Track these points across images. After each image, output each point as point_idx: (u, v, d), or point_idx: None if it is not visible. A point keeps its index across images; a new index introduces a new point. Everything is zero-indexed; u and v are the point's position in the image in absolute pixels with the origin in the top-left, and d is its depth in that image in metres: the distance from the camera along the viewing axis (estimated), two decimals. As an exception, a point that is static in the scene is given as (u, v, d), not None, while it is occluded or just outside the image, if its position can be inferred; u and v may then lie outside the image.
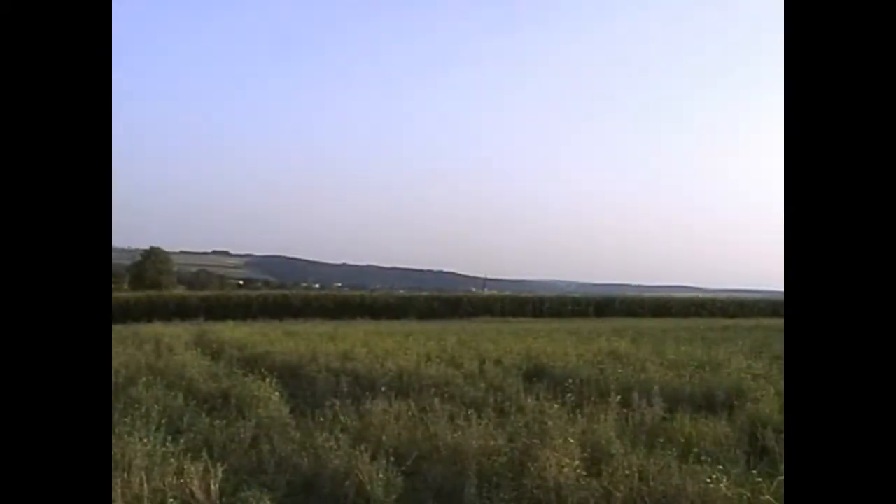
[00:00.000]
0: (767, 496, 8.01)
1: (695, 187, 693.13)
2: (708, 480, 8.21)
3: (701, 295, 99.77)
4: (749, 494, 8.09)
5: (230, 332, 31.18)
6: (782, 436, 10.40)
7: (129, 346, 24.25)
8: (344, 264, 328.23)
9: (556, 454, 9.14)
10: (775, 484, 8.26)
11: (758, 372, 17.71)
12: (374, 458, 9.42)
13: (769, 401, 13.53)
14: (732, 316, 65.57)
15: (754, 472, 8.87)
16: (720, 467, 8.79)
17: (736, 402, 13.88)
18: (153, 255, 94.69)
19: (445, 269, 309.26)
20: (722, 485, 8.10)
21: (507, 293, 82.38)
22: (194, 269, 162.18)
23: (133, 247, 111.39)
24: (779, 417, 12.23)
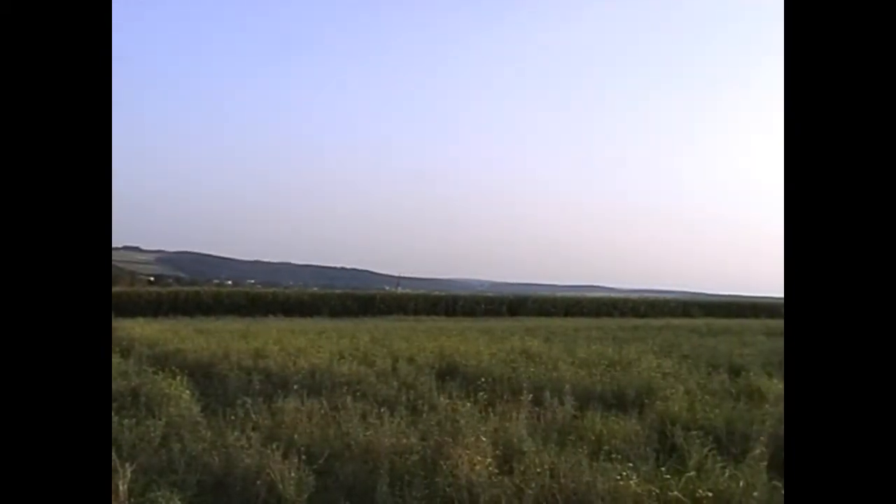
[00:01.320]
0: (676, 492, 8.16)
1: (605, 188, 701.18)
2: (618, 477, 8.32)
3: (612, 295, 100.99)
4: (658, 491, 8.22)
5: (140, 329, 30.79)
6: (691, 433, 10.59)
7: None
8: (257, 261, 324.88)
9: (469, 452, 9.18)
10: (683, 480, 8.42)
11: (667, 371, 18.05)
12: (285, 456, 9.33)
13: (678, 399, 13.79)
14: (643, 316, 66.49)
15: (663, 468, 9.02)
16: (630, 464, 8.91)
17: (646, 401, 14.13)
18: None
19: (359, 267, 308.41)
20: (632, 482, 8.22)
21: (421, 292, 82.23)
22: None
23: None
24: (687, 415, 12.47)
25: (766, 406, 13.41)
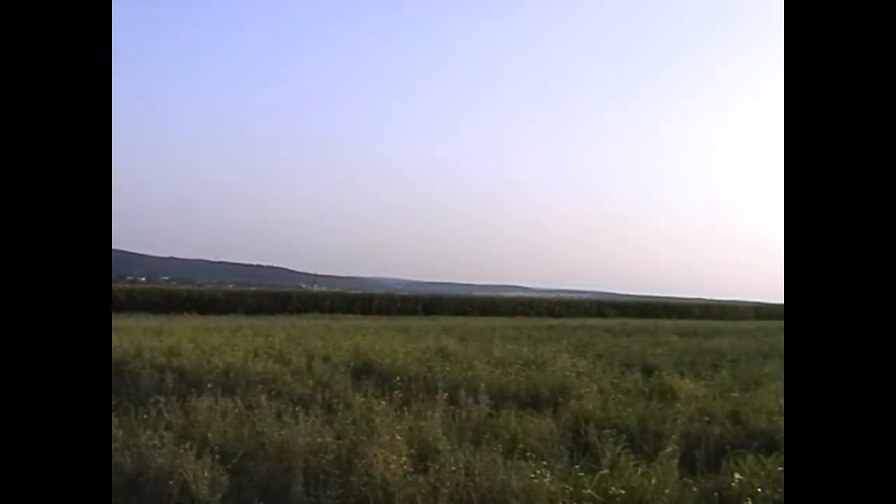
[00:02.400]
0: (589, 490, 8.25)
1: (520, 188, 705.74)
2: (532, 476, 8.38)
3: (528, 295, 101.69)
4: (572, 489, 8.30)
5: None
6: (604, 432, 10.71)
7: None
8: (171, 258, 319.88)
9: (384, 451, 9.16)
10: (597, 478, 8.52)
11: (582, 370, 18.24)
12: (199, 456, 9.21)
13: (592, 398, 13.95)
14: (558, 315, 66.94)
15: (577, 467, 9.11)
16: (544, 463, 8.99)
17: (560, 400, 14.22)
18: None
19: (276, 265, 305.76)
20: (546, 480, 8.29)
21: (337, 290, 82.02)
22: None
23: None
24: (601, 414, 12.61)
25: (678, 405, 13.65)
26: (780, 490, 8.41)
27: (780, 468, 8.96)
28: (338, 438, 10.38)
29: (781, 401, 13.42)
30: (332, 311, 63.52)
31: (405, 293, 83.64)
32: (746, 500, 8.15)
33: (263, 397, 13.08)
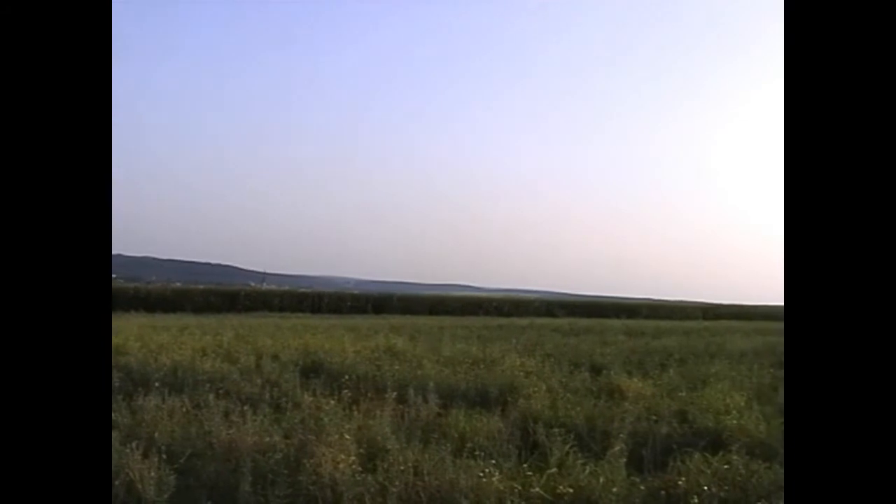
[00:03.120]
0: (537, 489, 8.28)
1: (468, 189, 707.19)
2: (481, 474, 8.41)
3: (477, 294, 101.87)
4: (520, 488, 8.33)
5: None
6: (553, 430, 10.75)
7: None
8: (119, 255, 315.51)
9: (332, 450, 9.14)
10: (545, 477, 8.55)
11: (530, 369, 18.29)
12: (145, 455, 9.09)
13: (541, 397, 14.00)
14: (507, 315, 67.14)
15: (525, 465, 9.14)
16: (493, 462, 9.02)
17: (509, 399, 14.25)
18: None
19: (224, 263, 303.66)
20: (494, 478, 8.32)
21: (287, 288, 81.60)
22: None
23: None
24: (549, 412, 12.66)
25: (626, 404, 13.72)
26: (726, 487, 8.51)
27: (725, 466, 9.06)
28: (286, 438, 10.33)
29: (727, 399, 13.60)
30: (281, 309, 63.20)
31: (355, 292, 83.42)
32: (693, 498, 8.22)
33: (211, 396, 12.97)
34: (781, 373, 19.83)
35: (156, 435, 10.56)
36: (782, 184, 4.35)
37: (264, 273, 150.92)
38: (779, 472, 8.83)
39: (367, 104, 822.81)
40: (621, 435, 10.80)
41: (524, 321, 52.21)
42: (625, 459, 9.53)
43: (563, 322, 52.20)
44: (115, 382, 15.33)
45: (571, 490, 8.31)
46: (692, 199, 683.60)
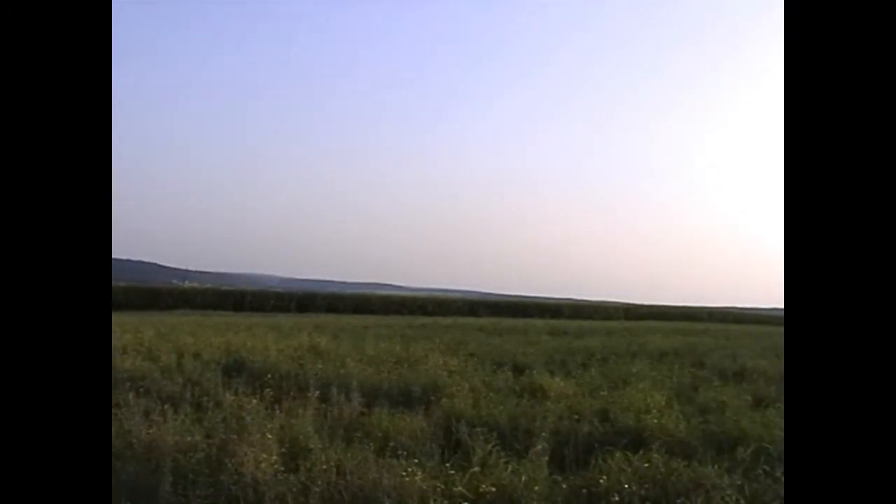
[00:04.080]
0: (460, 488, 8.31)
1: (393, 188, 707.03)
2: (404, 474, 8.40)
3: (401, 293, 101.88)
4: (443, 486, 8.34)
5: None
6: (475, 429, 10.79)
7: None
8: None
9: (254, 449, 9.06)
10: (468, 476, 8.57)
11: (453, 368, 18.38)
12: (62, 455, 8.95)
13: (464, 396, 14.04)
14: (431, 314, 67.30)
15: (448, 464, 9.16)
16: (416, 461, 9.02)
17: (432, 398, 14.26)
18: None
19: (145, 259, 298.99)
20: (417, 477, 8.32)
21: (209, 286, 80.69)
22: None
23: None
24: (472, 412, 12.69)
25: (548, 403, 13.82)
26: (646, 486, 8.61)
27: (646, 464, 9.17)
28: (207, 437, 10.21)
29: (648, 399, 13.77)
30: (203, 307, 62.70)
31: (279, 290, 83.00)
32: (614, 496, 8.31)
33: (131, 395, 12.75)
34: (700, 372, 20.20)
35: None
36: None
37: (186, 270, 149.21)
38: (697, 469, 8.97)
39: (287, 101, 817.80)
40: (543, 434, 10.88)
41: (448, 320, 52.37)
42: (547, 458, 9.58)
43: (487, 321, 52.54)
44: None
45: (494, 489, 8.34)
46: (610, 199, 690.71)
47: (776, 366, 22.07)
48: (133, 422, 10.78)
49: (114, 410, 11.72)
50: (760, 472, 9.12)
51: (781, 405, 13.99)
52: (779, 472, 8.95)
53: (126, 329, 27.48)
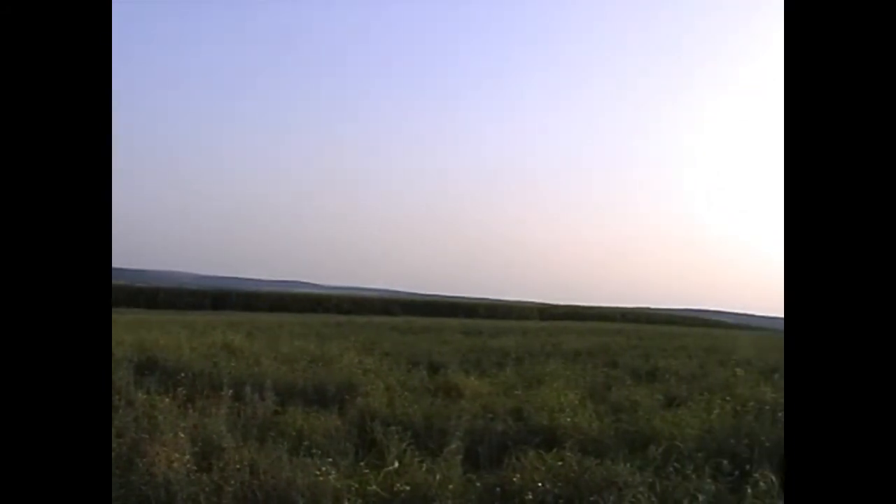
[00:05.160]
0: (374, 487, 8.30)
1: (310, 184, 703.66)
2: (318, 473, 8.37)
3: (317, 291, 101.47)
4: (357, 485, 8.34)
5: None
6: (390, 428, 10.79)
7: None
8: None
9: (166, 449, 8.95)
10: (382, 475, 8.58)
11: (369, 367, 18.35)
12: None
13: (379, 395, 14.02)
14: (347, 313, 67.23)
15: (363, 463, 9.16)
16: (330, 460, 8.99)
17: (347, 397, 14.24)
18: None
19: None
20: (331, 477, 8.30)
21: (122, 282, 79.37)
22: None
23: None
24: (387, 410, 12.70)
25: (463, 402, 13.87)
26: (559, 484, 8.69)
27: (559, 463, 9.25)
28: (118, 436, 10.04)
29: (562, 398, 13.90)
30: (116, 304, 61.52)
31: (193, 287, 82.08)
32: (527, 495, 8.37)
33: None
34: (613, 371, 20.45)
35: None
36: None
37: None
38: (610, 467, 9.08)
39: (180, 97, 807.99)
40: (458, 433, 10.93)
41: (363, 319, 52.38)
42: (461, 457, 9.64)
43: (402, 320, 52.62)
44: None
45: (408, 487, 8.35)
46: (525, 200, 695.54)
47: (687, 365, 22.49)
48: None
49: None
50: (671, 469, 9.27)
51: (692, 404, 14.28)
52: (689, 470, 9.12)
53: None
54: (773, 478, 8.74)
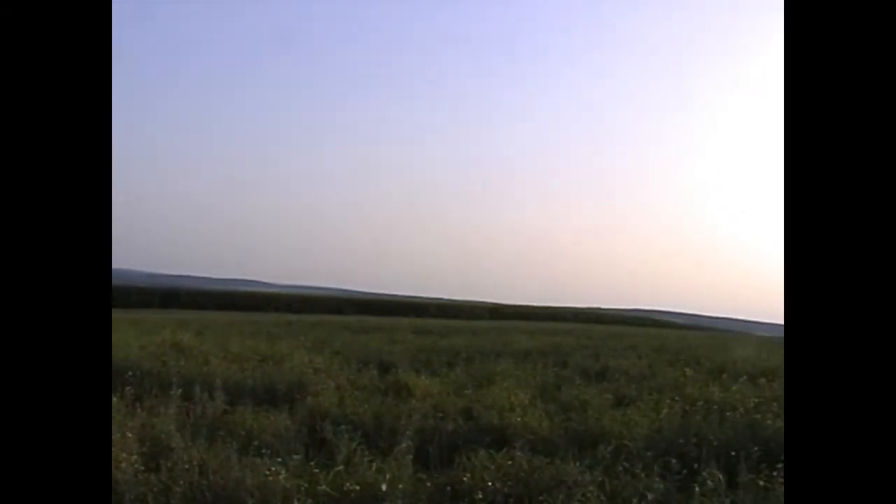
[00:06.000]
0: (324, 486, 8.28)
1: (254, 181, 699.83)
2: (267, 473, 8.34)
3: (267, 290, 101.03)
4: (307, 485, 8.31)
5: None
6: (340, 428, 10.78)
7: None
8: None
9: (114, 449, 8.86)
10: (332, 474, 8.56)
11: (319, 366, 18.29)
12: None
13: (329, 394, 14.01)
14: (298, 312, 66.91)
15: (312, 463, 9.13)
16: (279, 459, 8.96)
17: (297, 396, 14.22)
18: None
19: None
20: (281, 476, 8.27)
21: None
22: None
23: None
24: (337, 410, 12.67)
25: (413, 401, 13.89)
26: (509, 483, 8.73)
27: (509, 462, 9.29)
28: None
29: (512, 397, 13.95)
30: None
31: (142, 285, 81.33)
32: (477, 494, 8.39)
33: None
34: (563, 371, 20.53)
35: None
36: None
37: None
38: (560, 466, 9.13)
39: (129, 89, 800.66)
40: (408, 432, 10.93)
41: (314, 318, 52.14)
42: (411, 456, 9.64)
43: (353, 319, 52.45)
44: None
45: (358, 487, 8.34)
46: (474, 200, 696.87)
47: (637, 365, 22.62)
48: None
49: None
50: (620, 468, 9.35)
51: (641, 403, 14.40)
52: (637, 469, 9.20)
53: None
54: (721, 476, 8.86)
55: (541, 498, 8.39)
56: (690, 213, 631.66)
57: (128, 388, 13.41)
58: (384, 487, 8.37)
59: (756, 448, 10.33)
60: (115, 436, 9.38)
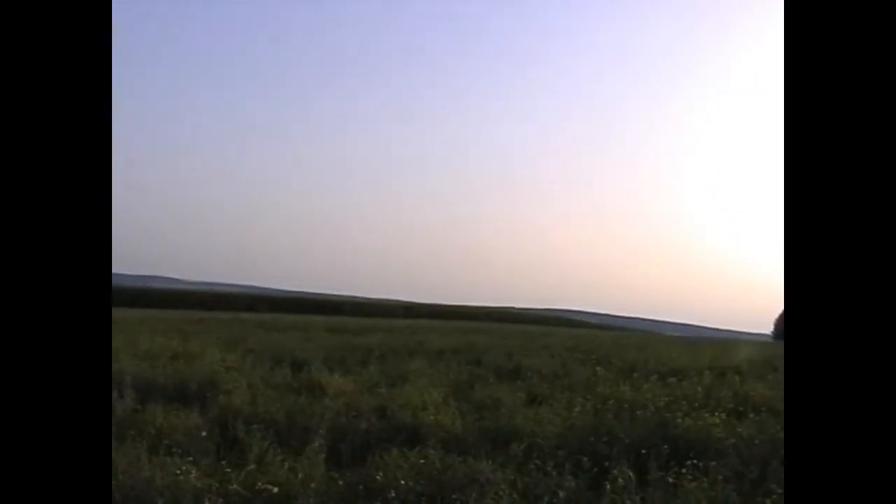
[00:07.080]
0: (236, 486, 8.22)
1: (171, 177, 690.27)
2: (178, 472, 8.26)
3: (180, 287, 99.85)
4: (218, 485, 8.24)
5: None
6: (252, 426, 10.71)
7: None
8: None
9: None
10: (244, 474, 8.50)
11: (231, 364, 18.17)
12: None
13: (241, 392, 13.90)
14: (211, 309, 66.34)
15: (224, 462, 9.05)
16: (190, 459, 8.88)
17: (209, 394, 14.09)
18: None
19: None
20: (192, 476, 8.19)
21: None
22: None
23: None
24: (249, 408, 12.58)
25: (327, 400, 13.83)
26: (422, 481, 8.76)
27: (422, 460, 9.32)
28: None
29: (425, 396, 13.99)
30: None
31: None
32: (390, 492, 8.40)
33: None
34: (477, 370, 20.66)
35: None
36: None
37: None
38: (472, 465, 9.18)
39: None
40: (321, 431, 10.87)
41: (227, 315, 51.78)
42: (324, 455, 9.62)
43: (267, 317, 52.16)
44: None
45: (270, 486, 8.30)
46: (386, 195, 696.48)
47: (550, 364, 22.85)
48: None
49: None
50: (533, 467, 9.43)
51: (553, 402, 14.57)
52: (549, 467, 9.30)
53: None
54: (631, 474, 9.00)
55: (453, 496, 8.42)
56: (601, 215, 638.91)
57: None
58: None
59: (666, 446, 10.52)
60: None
